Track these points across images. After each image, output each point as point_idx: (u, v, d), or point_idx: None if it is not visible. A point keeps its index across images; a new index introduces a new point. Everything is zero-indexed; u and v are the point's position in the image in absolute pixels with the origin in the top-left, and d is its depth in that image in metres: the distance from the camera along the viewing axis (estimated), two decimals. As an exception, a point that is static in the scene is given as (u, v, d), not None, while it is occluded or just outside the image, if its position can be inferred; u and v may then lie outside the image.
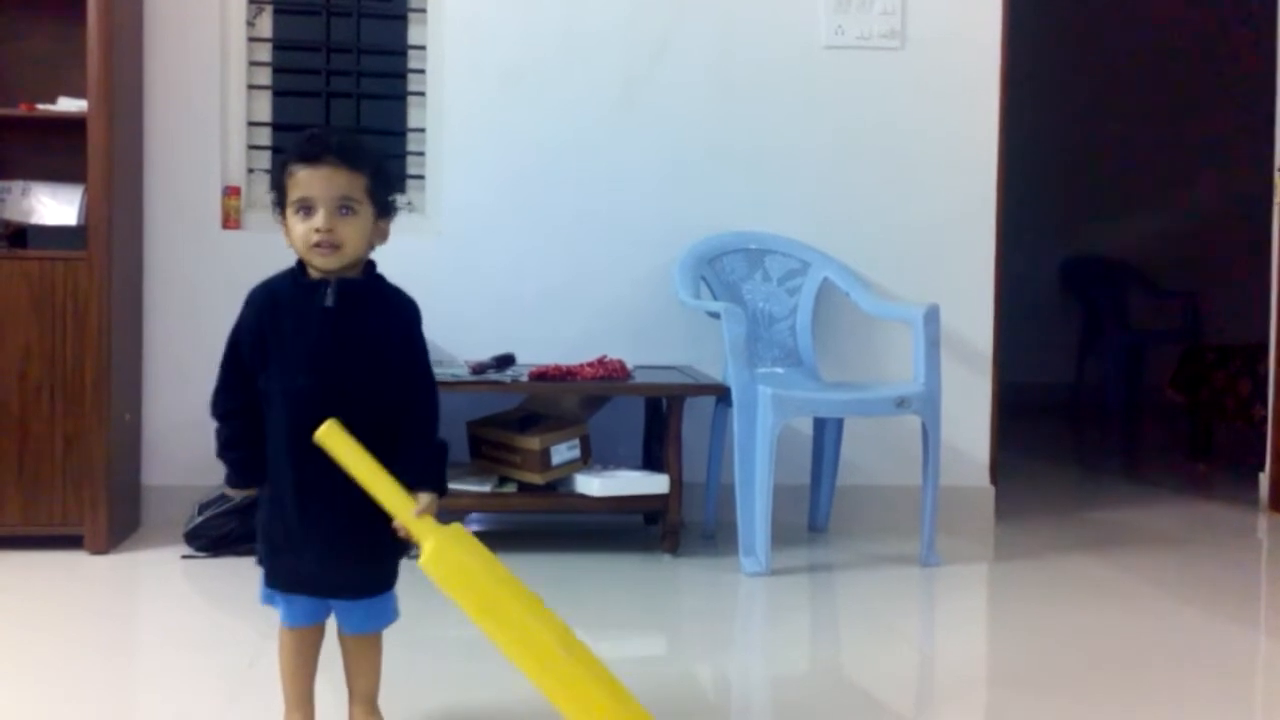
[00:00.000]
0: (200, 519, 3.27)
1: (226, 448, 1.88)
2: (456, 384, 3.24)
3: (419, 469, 1.83)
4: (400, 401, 1.86)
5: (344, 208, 1.81)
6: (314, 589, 1.89)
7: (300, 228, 1.81)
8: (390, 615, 1.95)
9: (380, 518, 1.80)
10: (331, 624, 1.95)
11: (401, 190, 3.78)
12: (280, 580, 1.89)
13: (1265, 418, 4.26)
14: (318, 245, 1.80)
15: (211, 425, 1.90)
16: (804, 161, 3.81)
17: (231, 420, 1.88)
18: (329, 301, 1.83)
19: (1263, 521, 4.05)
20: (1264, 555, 3.73)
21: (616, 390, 3.44)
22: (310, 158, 1.81)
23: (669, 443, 3.33)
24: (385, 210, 1.88)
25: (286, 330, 1.83)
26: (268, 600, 1.92)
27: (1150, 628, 2.85)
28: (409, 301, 1.91)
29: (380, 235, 1.88)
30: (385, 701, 2.00)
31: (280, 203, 1.85)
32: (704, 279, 3.65)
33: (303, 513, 1.83)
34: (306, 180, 1.81)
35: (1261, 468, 4.23)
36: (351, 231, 1.82)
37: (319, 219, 1.80)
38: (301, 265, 1.87)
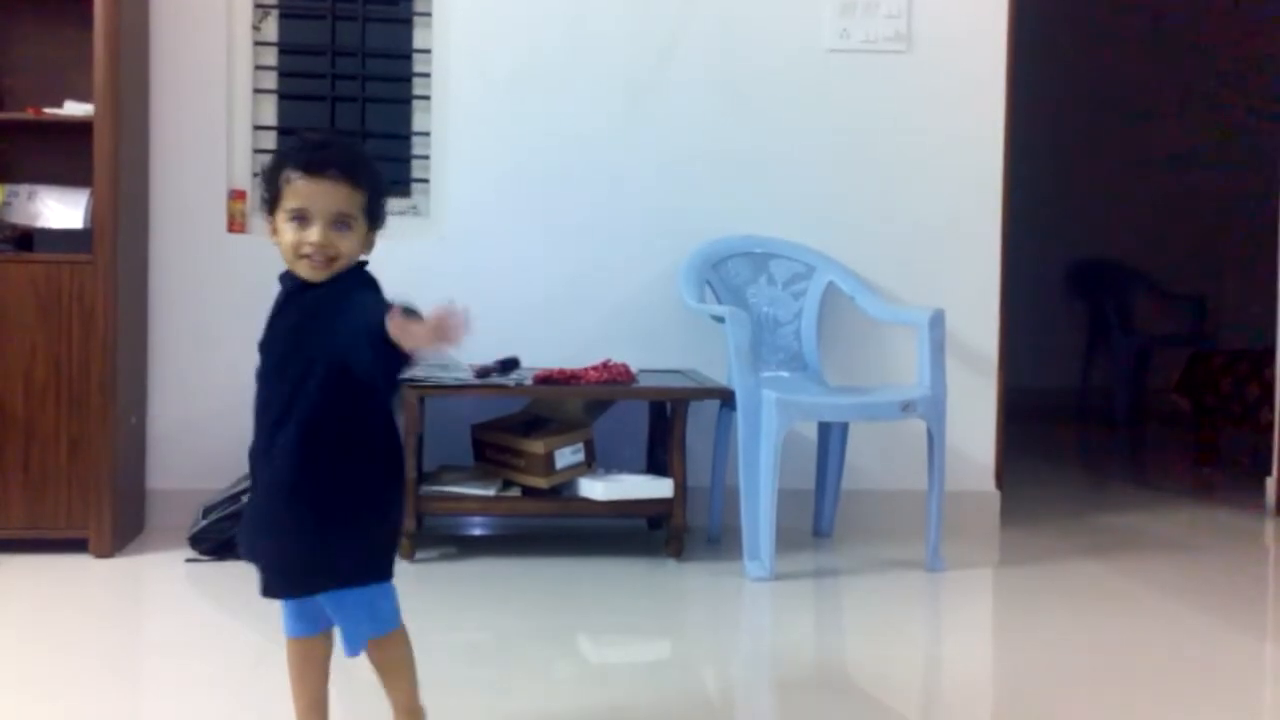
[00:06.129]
0: (205, 522, 3.27)
1: None
2: (461, 388, 3.25)
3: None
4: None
5: (340, 223, 1.77)
6: (279, 591, 1.85)
7: (291, 237, 1.77)
8: (381, 619, 1.87)
9: (328, 503, 1.77)
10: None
11: (406, 194, 3.79)
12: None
13: (1272, 423, 4.25)
14: (307, 257, 1.77)
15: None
16: (808, 165, 3.80)
17: None
18: (294, 309, 1.81)
19: (1269, 527, 4.04)
20: (1270, 561, 3.72)
21: (621, 394, 3.44)
22: (313, 169, 1.76)
23: (673, 447, 3.33)
24: (377, 224, 1.85)
25: (275, 315, 1.84)
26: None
27: (1156, 633, 2.85)
28: (360, 274, 1.84)
29: (368, 245, 1.85)
30: (386, 707, 1.98)
31: (271, 202, 1.81)
32: (708, 283, 3.65)
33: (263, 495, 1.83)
34: (305, 191, 1.76)
35: (1268, 473, 4.22)
36: (346, 245, 1.79)
37: (314, 233, 1.76)
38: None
